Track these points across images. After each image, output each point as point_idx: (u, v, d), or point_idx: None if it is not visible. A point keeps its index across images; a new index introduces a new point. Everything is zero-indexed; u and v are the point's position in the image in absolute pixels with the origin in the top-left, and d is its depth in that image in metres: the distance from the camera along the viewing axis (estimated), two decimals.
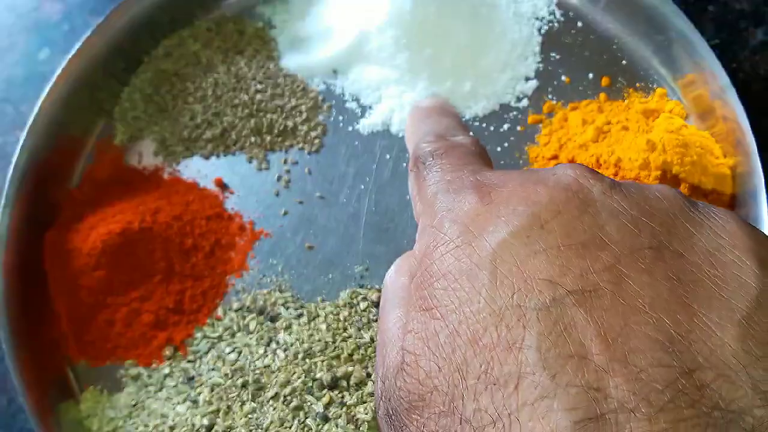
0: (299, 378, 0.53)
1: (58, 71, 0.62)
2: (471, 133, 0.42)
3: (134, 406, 0.56)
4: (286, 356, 0.54)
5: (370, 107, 0.66)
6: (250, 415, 0.52)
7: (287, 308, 0.58)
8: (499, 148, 0.64)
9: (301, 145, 0.65)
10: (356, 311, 0.57)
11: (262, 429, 0.51)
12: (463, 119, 0.65)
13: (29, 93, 0.67)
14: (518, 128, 0.65)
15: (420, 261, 0.32)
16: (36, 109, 0.61)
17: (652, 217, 0.29)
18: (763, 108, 0.64)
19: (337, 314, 0.57)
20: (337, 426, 0.51)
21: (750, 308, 0.26)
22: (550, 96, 0.66)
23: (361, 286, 0.60)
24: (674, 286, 0.27)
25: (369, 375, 0.53)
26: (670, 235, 0.29)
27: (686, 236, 0.29)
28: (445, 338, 0.28)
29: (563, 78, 0.66)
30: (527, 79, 0.66)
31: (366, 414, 0.51)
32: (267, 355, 0.55)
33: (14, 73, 0.71)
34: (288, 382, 0.53)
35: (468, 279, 0.29)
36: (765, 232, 0.55)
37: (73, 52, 0.63)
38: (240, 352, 0.56)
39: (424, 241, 0.32)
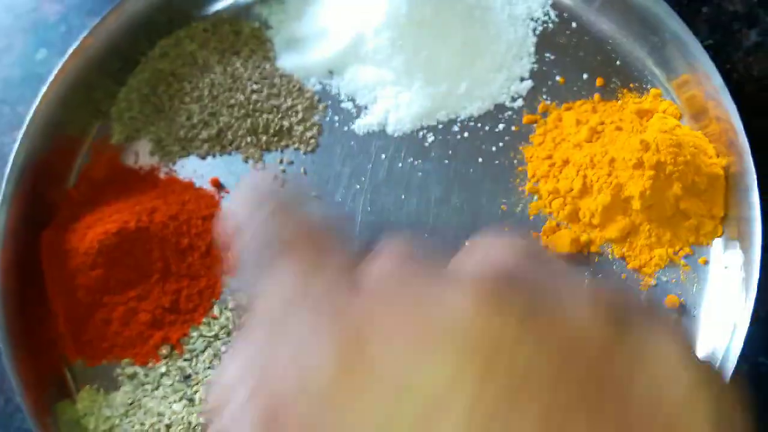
0: None
1: (55, 72, 0.62)
2: None
3: (131, 404, 0.56)
4: None
5: (366, 108, 0.66)
6: None
7: None
8: (494, 148, 0.64)
9: (296, 145, 0.65)
10: None
11: None
12: (459, 119, 0.65)
13: (26, 94, 0.67)
14: (513, 128, 0.65)
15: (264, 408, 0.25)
16: (33, 110, 0.61)
17: (578, 354, 0.23)
18: (757, 109, 0.65)
19: None
20: None
21: None
22: (544, 96, 0.66)
23: None
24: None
25: None
26: (600, 380, 0.23)
27: (623, 378, 0.23)
28: None
29: (558, 78, 0.67)
30: (522, 79, 0.67)
31: None
32: None
33: (11, 73, 0.71)
34: None
35: None
36: (757, 235, 0.56)
37: (69, 52, 0.63)
38: None
39: (268, 381, 0.26)
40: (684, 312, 0.59)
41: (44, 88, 0.62)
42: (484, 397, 0.22)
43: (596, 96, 0.65)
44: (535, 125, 0.65)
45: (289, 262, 0.28)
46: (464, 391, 0.22)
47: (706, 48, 0.62)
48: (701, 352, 0.58)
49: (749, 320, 0.55)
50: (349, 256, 0.30)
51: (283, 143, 0.65)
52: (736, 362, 0.54)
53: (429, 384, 0.22)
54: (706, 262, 0.60)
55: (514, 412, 0.22)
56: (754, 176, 0.57)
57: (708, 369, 0.24)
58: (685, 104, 0.64)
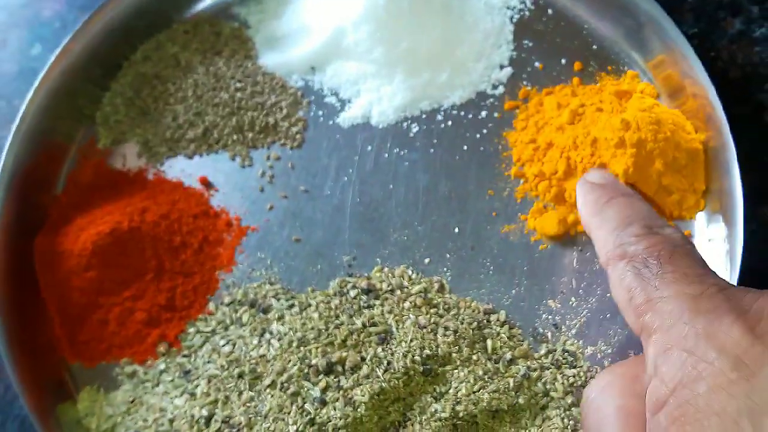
0: (295, 365, 0.54)
1: (39, 79, 0.63)
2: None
3: (132, 402, 0.57)
4: (281, 345, 0.55)
5: (350, 101, 0.67)
6: (248, 404, 0.53)
7: (278, 299, 0.59)
8: (478, 135, 0.65)
9: (282, 141, 0.66)
10: (347, 299, 0.58)
11: (261, 416, 0.52)
12: (442, 108, 0.66)
13: (22, 88, 0.68)
14: (495, 115, 0.66)
15: (674, 390, 0.28)
16: (18, 118, 0.61)
17: None
18: (740, 95, 0.67)
19: (328, 303, 0.58)
20: (335, 409, 0.52)
21: None
22: (524, 82, 0.67)
23: (350, 275, 0.61)
24: None
25: (363, 359, 0.54)
26: None
27: None
28: None
29: (537, 64, 0.68)
30: (501, 67, 0.68)
31: (363, 396, 0.52)
32: (261, 345, 0.56)
33: (7, 68, 0.72)
34: (284, 370, 0.54)
35: (751, 422, 0.25)
36: (738, 207, 0.58)
37: (51, 60, 0.63)
38: (234, 344, 0.57)
39: (676, 367, 0.28)
40: None
41: (29, 96, 0.62)
42: None
43: (575, 80, 0.67)
44: (517, 111, 0.66)
45: None
46: None
47: (691, 36, 0.63)
48: None
49: None
50: None
51: (269, 140, 0.66)
52: None
53: None
54: (691, 236, 0.62)
55: None
56: (734, 149, 0.59)
57: None
58: (662, 84, 0.65)
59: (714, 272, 0.34)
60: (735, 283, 0.56)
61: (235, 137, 0.65)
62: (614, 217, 0.38)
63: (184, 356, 0.58)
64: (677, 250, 0.34)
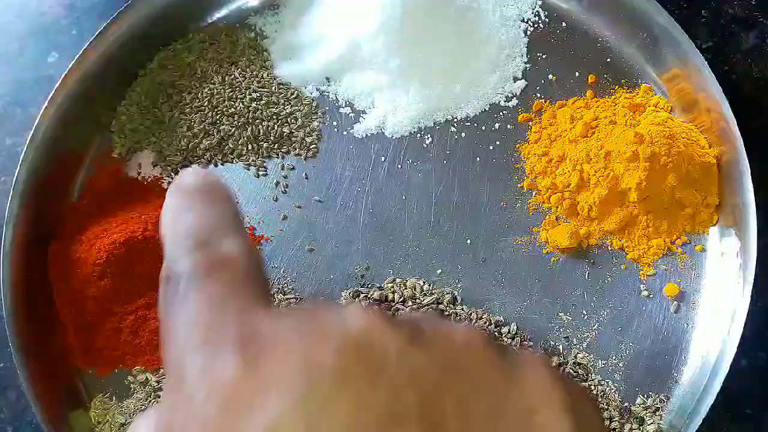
0: None
1: (55, 87, 0.63)
2: (246, 233, 0.32)
3: (144, 411, 0.57)
4: None
5: (364, 112, 0.67)
6: None
7: None
8: (491, 147, 0.65)
9: (297, 151, 0.66)
10: None
11: None
12: (455, 120, 0.66)
13: (38, 96, 0.68)
14: (509, 127, 0.66)
15: None
16: (34, 126, 0.62)
17: (458, 375, 0.24)
18: (755, 109, 0.67)
19: None
20: None
21: None
22: (538, 95, 0.67)
23: (362, 286, 0.61)
24: None
25: None
26: (478, 398, 0.24)
27: (496, 397, 0.24)
28: None
29: (550, 77, 0.68)
30: (515, 79, 0.68)
31: None
32: None
33: (23, 76, 0.72)
34: None
35: None
36: (752, 221, 0.58)
37: (67, 68, 0.64)
38: None
39: (170, 408, 0.25)
40: (684, 299, 0.61)
41: (45, 103, 0.63)
42: (370, 404, 0.22)
43: (589, 93, 0.67)
44: (530, 123, 0.66)
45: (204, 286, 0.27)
46: (349, 397, 0.22)
47: (706, 50, 0.63)
48: (703, 337, 0.59)
49: (748, 304, 0.56)
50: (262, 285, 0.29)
51: (283, 150, 0.66)
52: (736, 347, 0.56)
53: (319, 387, 0.22)
54: (703, 250, 0.62)
55: (396, 422, 0.22)
56: (747, 164, 0.59)
57: (576, 390, 0.26)
58: (676, 97, 0.66)
59: (265, 294, 0.30)
60: (748, 297, 0.56)
61: (249, 147, 0.66)
62: (180, 230, 0.31)
63: None
64: (224, 267, 0.28)
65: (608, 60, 0.68)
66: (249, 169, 0.66)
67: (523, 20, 0.70)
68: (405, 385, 0.23)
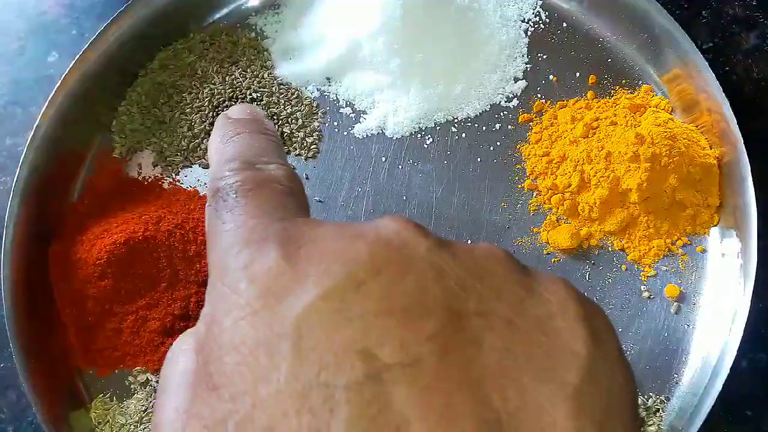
0: None
1: (56, 87, 0.63)
2: (288, 162, 0.35)
3: (145, 411, 0.57)
4: None
5: (365, 112, 0.67)
6: None
7: None
8: (491, 148, 0.65)
9: (298, 152, 0.66)
10: None
11: None
12: (456, 120, 0.66)
13: (38, 96, 0.69)
14: (509, 127, 0.66)
15: (207, 329, 0.26)
16: (34, 126, 0.62)
17: (481, 279, 0.26)
18: (755, 110, 0.67)
19: None
20: None
21: (582, 381, 0.24)
22: (539, 95, 0.67)
23: None
24: (503, 357, 0.24)
25: None
26: (499, 301, 0.26)
27: (516, 302, 0.26)
28: (234, 426, 0.23)
29: (551, 77, 0.68)
30: (516, 79, 0.68)
31: None
32: None
33: (23, 76, 0.72)
34: None
35: (266, 352, 0.24)
36: (753, 222, 0.58)
37: (68, 68, 0.64)
38: None
39: (213, 304, 0.27)
40: (684, 300, 0.61)
41: (45, 103, 0.62)
42: (399, 291, 0.25)
43: (589, 93, 0.67)
44: (531, 124, 0.66)
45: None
46: (380, 284, 0.25)
47: (706, 51, 0.63)
48: (704, 338, 0.59)
49: (749, 305, 0.56)
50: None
51: (284, 150, 0.66)
52: (736, 349, 0.56)
53: (353, 275, 0.25)
54: (704, 251, 0.62)
55: (422, 310, 0.24)
56: (748, 165, 0.59)
57: (592, 306, 0.27)
58: (677, 98, 0.66)
59: (305, 210, 0.33)
60: (749, 298, 0.56)
61: None
62: (228, 152, 0.34)
63: None
64: (267, 184, 0.31)
65: (609, 60, 0.68)
66: None
67: (523, 20, 0.70)
68: (432, 279, 0.25)
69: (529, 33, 0.69)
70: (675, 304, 0.61)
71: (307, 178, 0.65)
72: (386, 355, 0.23)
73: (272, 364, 0.23)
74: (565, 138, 0.64)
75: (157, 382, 0.58)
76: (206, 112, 0.66)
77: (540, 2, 0.70)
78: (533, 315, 0.26)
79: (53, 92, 0.63)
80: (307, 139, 0.66)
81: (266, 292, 0.25)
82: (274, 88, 0.67)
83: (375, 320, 0.24)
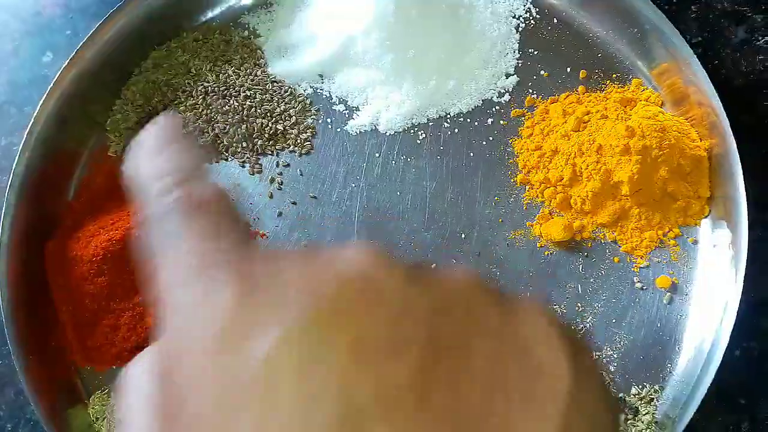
0: None
1: (50, 86, 0.63)
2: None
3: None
4: None
5: (358, 108, 0.68)
6: None
7: None
8: (484, 142, 0.66)
9: (291, 148, 0.67)
10: None
11: None
12: (449, 116, 0.67)
13: (33, 95, 0.69)
14: (501, 122, 0.67)
15: (163, 372, 0.24)
16: (30, 125, 0.62)
17: (456, 310, 0.25)
18: (744, 103, 0.67)
19: None
20: None
21: (566, 412, 0.23)
22: (530, 90, 0.68)
23: None
24: (485, 389, 0.23)
25: None
26: (477, 331, 0.24)
27: (495, 330, 0.25)
28: None
29: (542, 73, 0.68)
30: (507, 75, 0.68)
31: None
32: None
33: (18, 76, 0.73)
34: None
35: (231, 403, 0.22)
36: (743, 213, 0.58)
37: (62, 68, 0.64)
38: None
39: (168, 342, 0.25)
40: (676, 291, 0.61)
41: (41, 103, 0.63)
42: (369, 333, 0.23)
43: (580, 88, 0.67)
44: (523, 119, 0.67)
45: (192, 230, 0.27)
46: (348, 325, 0.23)
47: (696, 45, 0.64)
48: (697, 328, 0.60)
49: (740, 295, 0.57)
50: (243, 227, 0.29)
51: (278, 147, 0.66)
52: (728, 337, 0.56)
53: (318, 316, 0.23)
54: (696, 242, 0.62)
55: (396, 351, 0.23)
56: (737, 156, 0.59)
57: (569, 331, 0.26)
58: (666, 92, 0.66)
59: (249, 233, 0.31)
60: (740, 288, 0.57)
61: (244, 144, 0.66)
62: (160, 168, 0.30)
63: None
64: (206, 203, 0.28)
65: (599, 55, 0.69)
66: (244, 167, 0.66)
67: (514, 16, 0.70)
68: (404, 317, 0.23)
69: (520, 29, 0.70)
70: (667, 294, 0.61)
71: (301, 175, 0.66)
72: (361, 396, 0.22)
73: (238, 416, 0.22)
74: (556, 132, 0.65)
75: None
76: (200, 110, 0.66)
77: None
78: (513, 346, 0.24)
79: (48, 91, 0.63)
80: (300, 135, 0.67)
81: (224, 335, 0.23)
82: (267, 86, 0.68)
83: (346, 361, 0.22)
